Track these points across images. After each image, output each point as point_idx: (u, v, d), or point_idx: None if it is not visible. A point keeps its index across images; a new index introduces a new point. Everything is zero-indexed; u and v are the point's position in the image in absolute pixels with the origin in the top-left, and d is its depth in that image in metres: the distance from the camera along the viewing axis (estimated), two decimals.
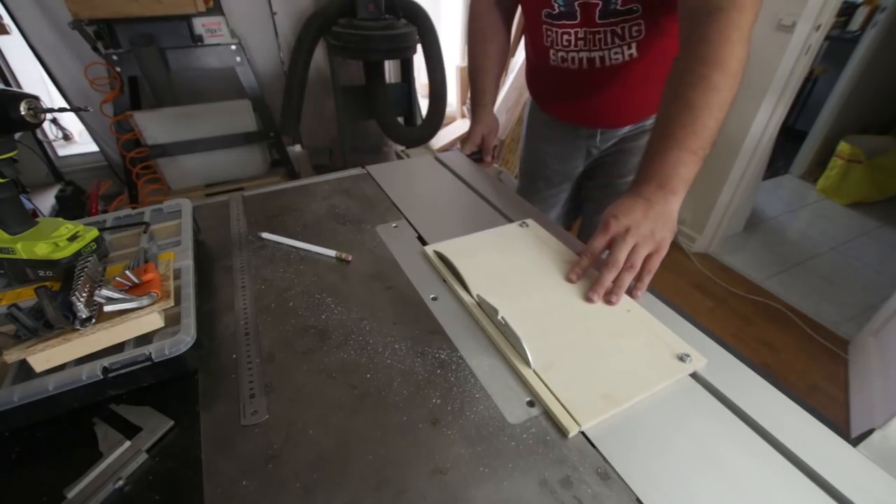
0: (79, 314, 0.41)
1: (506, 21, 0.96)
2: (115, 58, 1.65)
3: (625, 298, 0.56)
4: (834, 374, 1.60)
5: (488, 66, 0.97)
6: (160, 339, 0.45)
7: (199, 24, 1.73)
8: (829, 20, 1.69)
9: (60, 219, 0.53)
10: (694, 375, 0.47)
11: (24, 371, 0.42)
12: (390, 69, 2.39)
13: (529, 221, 0.71)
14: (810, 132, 2.81)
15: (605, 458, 0.40)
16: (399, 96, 2.08)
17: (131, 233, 0.61)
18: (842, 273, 2.09)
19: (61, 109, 0.53)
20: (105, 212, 1.57)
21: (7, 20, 1.72)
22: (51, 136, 2.22)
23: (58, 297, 0.43)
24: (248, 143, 2.00)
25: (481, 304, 0.54)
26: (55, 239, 0.50)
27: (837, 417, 1.45)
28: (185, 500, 0.37)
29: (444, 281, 0.60)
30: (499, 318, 0.50)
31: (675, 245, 2.25)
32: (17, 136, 0.48)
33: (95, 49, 1.65)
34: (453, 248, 0.63)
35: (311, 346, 0.50)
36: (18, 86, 1.99)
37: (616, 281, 0.56)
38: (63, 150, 2.27)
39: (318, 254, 0.65)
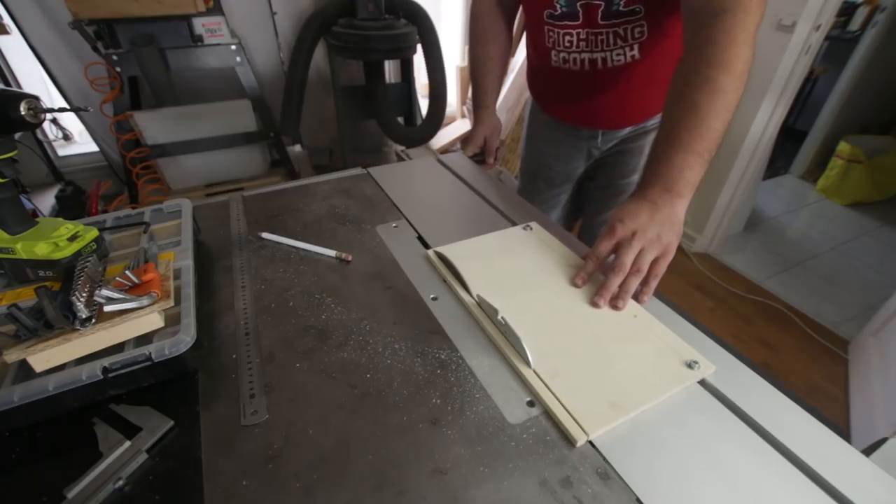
0: (79, 314, 0.41)
1: (507, 22, 0.96)
2: (115, 58, 1.65)
3: (631, 303, 0.55)
4: (834, 374, 1.60)
5: (490, 66, 0.97)
6: (160, 339, 0.45)
7: (199, 24, 1.73)
8: (829, 20, 1.69)
9: (60, 219, 0.53)
10: (700, 381, 0.47)
11: (24, 371, 0.42)
12: (390, 69, 2.39)
13: (533, 224, 0.70)
14: (810, 132, 2.81)
15: (605, 458, 0.40)
16: (399, 96, 2.08)
17: (131, 233, 0.61)
18: (842, 273, 2.09)
19: (61, 109, 0.53)
20: (105, 212, 1.57)
21: (7, 20, 1.72)
22: (51, 136, 2.22)
23: (58, 297, 0.43)
24: (248, 143, 1.99)
25: (481, 304, 0.54)
26: (55, 239, 0.50)
27: (837, 417, 1.45)
28: (185, 500, 0.37)
29: (444, 281, 0.60)
30: (499, 318, 0.50)
31: None
32: (17, 136, 0.48)
33: (95, 49, 1.65)
34: (457, 252, 0.62)
35: (311, 346, 0.50)
36: (18, 86, 1.99)
37: (622, 286, 0.55)
38: (63, 150, 2.27)
39: (318, 254, 0.65)
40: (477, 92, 1.00)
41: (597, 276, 0.59)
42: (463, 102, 2.87)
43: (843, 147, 2.52)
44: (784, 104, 1.83)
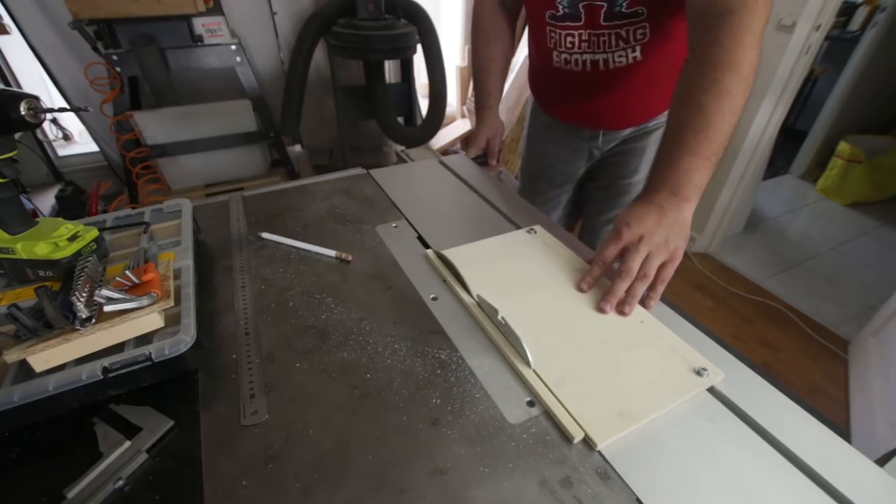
0: (79, 314, 0.41)
1: (510, 22, 0.96)
2: (115, 58, 1.65)
3: (637, 308, 0.54)
4: (834, 374, 1.60)
5: (493, 68, 0.96)
6: (160, 339, 0.45)
7: (199, 24, 1.73)
8: (829, 20, 1.69)
9: (60, 219, 0.53)
10: (715, 392, 0.46)
11: (24, 371, 0.42)
12: (390, 69, 2.39)
13: (537, 228, 0.69)
14: (810, 132, 2.81)
15: (605, 458, 0.40)
16: (399, 96, 2.08)
17: (131, 233, 0.61)
18: (842, 273, 2.09)
19: (61, 109, 0.53)
20: (105, 212, 1.56)
21: (7, 20, 1.72)
22: (51, 136, 2.22)
23: (58, 297, 0.43)
24: (248, 143, 2.00)
25: (481, 304, 0.54)
26: (55, 239, 0.50)
27: (837, 417, 1.45)
28: (185, 500, 0.37)
29: (444, 281, 0.60)
30: (499, 318, 0.50)
31: None
32: (17, 136, 0.48)
33: (95, 49, 1.65)
34: (460, 255, 0.61)
35: (311, 346, 0.50)
36: (18, 86, 1.99)
37: (629, 291, 0.54)
38: (63, 150, 2.27)
39: (318, 254, 0.65)
40: (479, 93, 0.99)
41: (603, 281, 0.58)
42: (463, 102, 2.87)
43: (843, 147, 2.52)
44: (784, 104, 1.83)
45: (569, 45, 0.84)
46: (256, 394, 0.45)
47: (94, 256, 0.50)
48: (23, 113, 0.45)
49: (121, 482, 0.38)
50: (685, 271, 2.10)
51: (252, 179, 2.09)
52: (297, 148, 2.49)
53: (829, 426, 0.42)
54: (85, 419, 0.43)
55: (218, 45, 1.79)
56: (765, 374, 0.47)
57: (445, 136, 2.71)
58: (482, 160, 0.99)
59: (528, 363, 0.47)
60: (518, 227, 0.71)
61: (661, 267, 0.56)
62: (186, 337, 0.44)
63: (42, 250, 0.49)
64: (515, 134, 2.44)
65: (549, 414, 0.43)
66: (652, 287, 0.55)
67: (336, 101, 1.96)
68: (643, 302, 0.56)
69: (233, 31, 1.89)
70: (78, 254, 0.50)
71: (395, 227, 0.72)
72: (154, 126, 1.79)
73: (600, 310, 0.54)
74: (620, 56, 0.81)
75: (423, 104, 2.11)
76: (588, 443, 0.40)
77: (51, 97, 2.06)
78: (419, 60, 1.97)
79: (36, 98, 0.46)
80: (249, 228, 0.71)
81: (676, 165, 0.57)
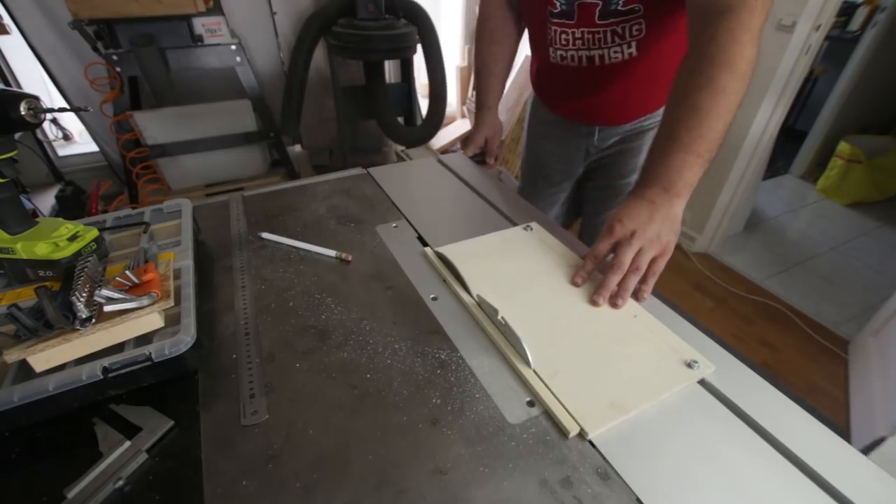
0: (79, 314, 0.41)
1: (516, 23, 0.96)
2: (115, 58, 1.65)
3: (631, 303, 0.55)
4: (834, 374, 1.60)
5: (494, 67, 0.97)
6: (160, 339, 0.45)
7: (199, 24, 1.73)
8: (829, 20, 1.69)
9: (60, 219, 0.53)
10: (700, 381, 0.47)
11: (24, 371, 0.42)
12: (390, 69, 2.39)
13: (534, 225, 0.70)
14: (810, 132, 2.81)
15: (605, 458, 0.40)
16: (399, 96, 2.08)
17: (131, 233, 0.61)
18: (842, 273, 2.09)
19: (61, 109, 0.53)
20: (105, 212, 1.57)
21: (7, 20, 1.72)
22: (51, 136, 2.22)
23: (58, 297, 0.43)
24: (248, 143, 2.00)
25: (481, 304, 0.54)
26: (55, 239, 0.50)
27: (837, 417, 1.45)
28: (185, 500, 0.37)
29: (444, 281, 0.60)
30: (499, 318, 0.50)
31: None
32: (17, 136, 0.48)
33: (95, 49, 1.65)
34: (457, 252, 0.62)
35: (311, 346, 0.50)
36: (18, 86, 1.99)
37: (621, 284, 0.55)
38: (63, 150, 2.27)
39: (318, 254, 0.65)
40: (479, 92, 1.00)
41: (596, 276, 0.59)
42: (463, 102, 2.87)
43: (843, 147, 2.52)
44: (784, 104, 1.83)
45: (563, 42, 0.84)
46: (256, 394, 0.45)
47: (94, 256, 0.50)
48: (23, 113, 0.45)
49: (121, 482, 0.38)
50: (685, 271, 2.10)
51: (252, 179, 2.09)
52: (297, 148, 2.49)
53: (829, 426, 0.42)
54: (85, 419, 0.43)
55: (218, 45, 1.79)
56: (765, 373, 0.47)
57: (445, 136, 2.71)
58: (480, 159, 1.00)
59: (528, 363, 0.47)
60: (515, 224, 0.72)
61: (653, 261, 0.57)
62: (186, 337, 0.44)
63: (42, 250, 0.49)
64: (515, 134, 2.44)
65: (548, 413, 0.43)
66: (644, 280, 0.57)
67: (336, 101, 1.96)
68: (636, 295, 0.56)
69: (233, 31, 1.89)
70: (78, 254, 0.50)
71: (395, 227, 0.72)
72: (154, 126, 1.79)
73: (593, 303, 0.55)
74: (616, 52, 0.81)
75: (423, 104, 2.11)
76: (581, 434, 0.41)
77: (51, 97, 2.06)
78: (419, 60, 1.97)
79: (36, 98, 0.46)
80: (249, 228, 0.71)
81: (669, 162, 0.58)
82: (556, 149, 1.07)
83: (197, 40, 1.75)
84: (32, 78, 2.03)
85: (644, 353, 0.49)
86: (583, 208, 1.18)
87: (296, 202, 0.79)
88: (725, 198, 2.04)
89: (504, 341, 0.50)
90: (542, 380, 0.46)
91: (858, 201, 2.57)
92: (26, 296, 0.49)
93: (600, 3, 0.76)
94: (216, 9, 1.76)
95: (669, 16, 0.76)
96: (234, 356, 0.49)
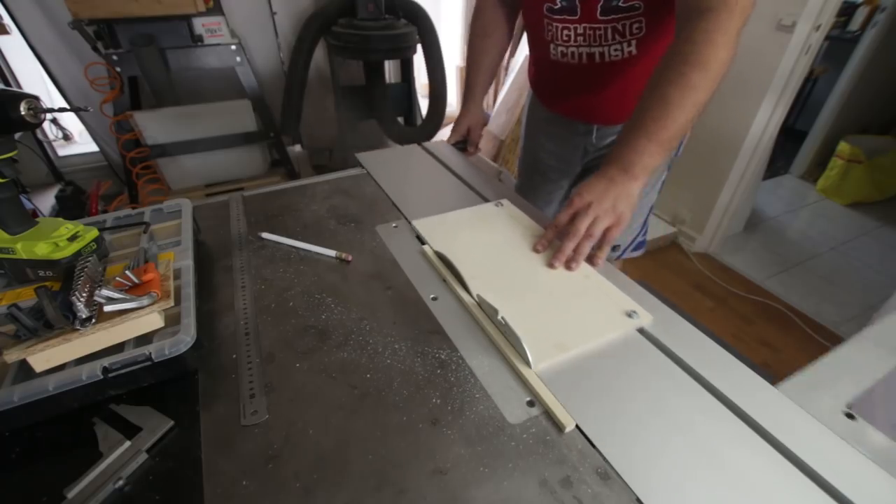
0: (79, 314, 0.41)
1: (508, 17, 0.98)
2: (115, 58, 1.65)
3: (586, 267, 0.62)
4: None
5: (483, 60, 1.00)
6: (160, 339, 0.45)
7: (199, 24, 1.73)
8: (829, 20, 1.68)
9: (60, 219, 0.53)
10: (644, 333, 0.53)
11: (24, 371, 0.42)
12: (390, 69, 2.39)
13: (504, 201, 0.77)
14: (810, 132, 2.81)
15: (605, 458, 0.40)
16: (399, 96, 2.09)
17: (131, 233, 0.61)
18: (842, 273, 2.09)
19: (61, 109, 0.53)
20: (105, 212, 1.56)
21: (7, 20, 1.72)
22: (51, 136, 2.22)
23: (58, 297, 0.43)
24: (248, 143, 1.99)
25: (481, 303, 0.55)
26: (55, 239, 0.50)
27: None
28: (185, 500, 0.37)
29: (444, 281, 0.60)
30: (499, 318, 0.50)
31: (675, 245, 2.25)
32: (17, 136, 0.48)
33: (95, 49, 1.65)
34: (434, 224, 0.71)
35: (311, 346, 0.50)
36: (18, 86, 1.99)
37: (576, 249, 0.62)
38: (63, 150, 2.27)
39: (318, 254, 0.65)
40: (467, 84, 1.04)
41: (556, 243, 0.65)
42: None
43: (843, 147, 2.52)
44: (784, 104, 1.83)
45: (565, 39, 0.85)
46: (256, 394, 0.45)
47: (94, 256, 0.50)
48: (23, 113, 0.45)
49: (121, 482, 0.38)
50: (685, 271, 2.10)
51: (252, 179, 2.09)
52: (297, 148, 2.49)
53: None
54: (85, 419, 0.43)
55: (218, 45, 1.79)
56: (765, 373, 0.47)
57: (445, 135, 2.70)
58: (462, 146, 1.06)
59: (528, 363, 0.47)
60: (487, 201, 0.79)
61: (608, 230, 0.63)
62: (186, 337, 0.44)
63: (42, 250, 0.49)
64: (515, 134, 2.44)
65: (548, 414, 0.43)
66: (598, 247, 0.63)
67: (336, 101, 1.96)
68: (591, 260, 0.63)
69: (233, 31, 1.89)
70: (78, 254, 0.50)
71: (395, 227, 0.72)
72: (154, 126, 1.79)
73: (550, 266, 0.62)
74: (616, 50, 0.82)
75: (423, 104, 2.11)
76: (529, 365, 0.47)
77: (51, 97, 2.06)
78: (419, 60, 1.97)
79: (36, 98, 0.46)
80: (249, 228, 0.71)
81: (632, 146, 0.63)
82: (553, 146, 1.07)
83: (197, 40, 1.75)
84: (32, 78, 2.02)
85: (589, 305, 0.56)
86: None
87: (296, 202, 0.79)
88: (725, 198, 2.04)
89: (504, 341, 0.50)
90: (541, 379, 0.46)
91: (858, 201, 2.57)
92: (26, 296, 0.49)
93: None
94: (216, 9, 1.76)
95: (669, 16, 0.76)
96: (234, 356, 0.49)
